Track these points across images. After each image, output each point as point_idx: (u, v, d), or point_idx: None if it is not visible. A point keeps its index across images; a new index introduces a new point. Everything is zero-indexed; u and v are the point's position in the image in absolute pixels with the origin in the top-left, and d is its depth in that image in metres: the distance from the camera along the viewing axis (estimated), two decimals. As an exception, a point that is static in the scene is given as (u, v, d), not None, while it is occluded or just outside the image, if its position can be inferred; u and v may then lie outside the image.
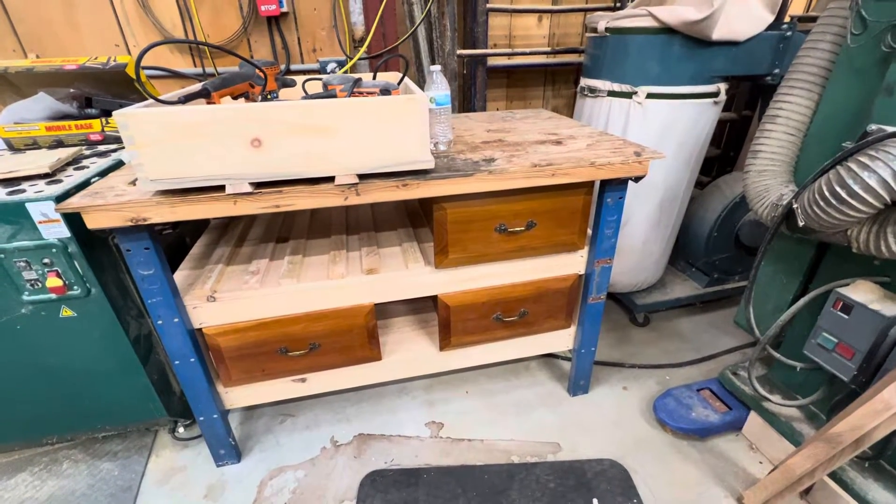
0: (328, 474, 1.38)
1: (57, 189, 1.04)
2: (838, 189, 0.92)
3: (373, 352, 1.36)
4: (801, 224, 1.05)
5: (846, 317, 1.07)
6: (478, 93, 2.13)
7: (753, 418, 1.43)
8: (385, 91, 1.06)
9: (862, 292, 1.06)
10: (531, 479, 1.34)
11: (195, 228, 1.58)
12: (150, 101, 0.92)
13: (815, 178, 1.01)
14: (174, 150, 0.87)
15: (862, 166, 0.88)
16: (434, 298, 1.36)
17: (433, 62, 1.95)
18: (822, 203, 0.96)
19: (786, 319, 1.21)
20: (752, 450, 1.44)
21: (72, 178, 1.12)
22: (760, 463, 1.39)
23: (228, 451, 1.38)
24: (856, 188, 0.89)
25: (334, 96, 1.06)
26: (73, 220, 1.05)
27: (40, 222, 1.02)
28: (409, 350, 1.45)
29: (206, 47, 1.88)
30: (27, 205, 1.00)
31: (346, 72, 1.95)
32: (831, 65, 1.11)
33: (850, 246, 1.03)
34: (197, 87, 1.01)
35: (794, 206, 1.06)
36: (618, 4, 2.15)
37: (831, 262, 1.21)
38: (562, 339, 1.53)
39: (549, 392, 1.67)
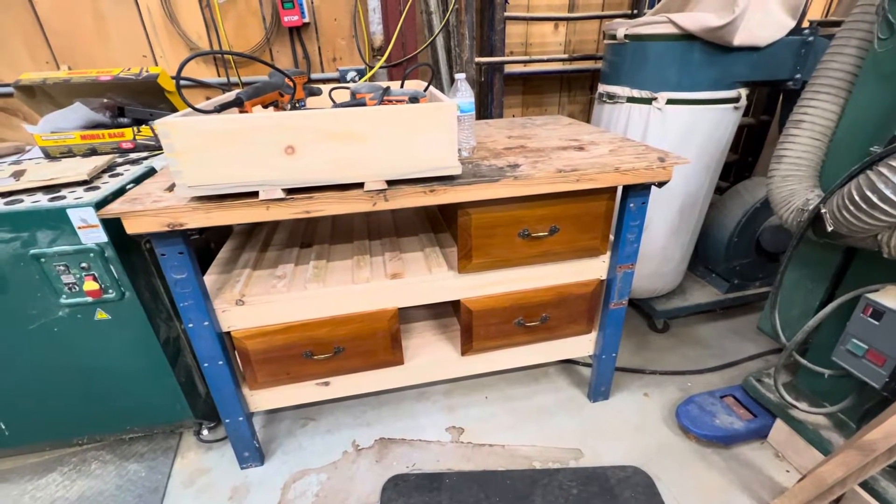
0: (351, 477, 1.39)
1: (96, 195, 1.08)
2: (869, 194, 0.92)
3: (395, 356, 1.37)
4: (829, 229, 1.05)
5: (876, 323, 1.06)
6: (495, 100, 2.15)
7: (779, 426, 1.41)
8: (414, 99, 1.09)
9: (892, 298, 1.04)
10: (554, 485, 1.33)
11: (219, 234, 1.61)
12: (189, 110, 0.95)
13: (843, 182, 1.01)
14: (212, 158, 0.90)
15: (893, 170, 0.88)
16: (456, 303, 1.37)
17: (451, 70, 1.98)
18: (852, 208, 0.96)
19: (813, 325, 1.19)
20: (779, 458, 1.42)
21: (108, 184, 1.16)
22: (787, 472, 1.37)
23: (252, 453, 1.40)
24: (887, 192, 0.89)
25: (364, 104, 1.08)
26: (110, 225, 1.09)
27: (80, 227, 1.06)
28: (430, 355, 1.46)
29: (231, 58, 1.92)
30: (68, 210, 1.04)
31: (366, 81, 1.98)
32: (857, 69, 1.10)
33: (881, 251, 1.02)
34: (231, 96, 1.04)
35: (823, 210, 1.06)
36: (634, 11, 2.17)
37: (859, 267, 1.20)
38: (583, 345, 1.53)
39: (569, 398, 1.67)
